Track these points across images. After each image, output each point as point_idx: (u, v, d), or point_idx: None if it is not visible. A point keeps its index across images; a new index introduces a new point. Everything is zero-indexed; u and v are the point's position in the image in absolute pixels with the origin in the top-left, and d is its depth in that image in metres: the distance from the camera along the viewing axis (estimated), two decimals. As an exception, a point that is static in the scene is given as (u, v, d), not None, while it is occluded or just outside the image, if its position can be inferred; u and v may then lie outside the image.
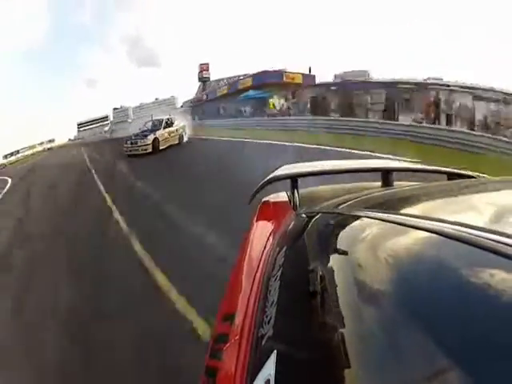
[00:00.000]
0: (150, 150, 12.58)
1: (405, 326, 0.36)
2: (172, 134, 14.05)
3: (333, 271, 0.56)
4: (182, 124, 15.20)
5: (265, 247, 0.97)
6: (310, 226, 0.83)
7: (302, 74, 20.56)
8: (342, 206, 0.89)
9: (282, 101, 18.62)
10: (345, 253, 0.59)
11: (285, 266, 0.71)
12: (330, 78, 19.93)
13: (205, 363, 0.76)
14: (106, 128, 30.31)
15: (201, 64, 27.74)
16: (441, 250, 0.44)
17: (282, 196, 1.34)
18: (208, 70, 27.75)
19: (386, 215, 0.61)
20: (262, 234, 1.12)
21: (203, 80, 27.98)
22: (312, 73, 20.69)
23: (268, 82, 20.50)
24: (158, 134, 13.31)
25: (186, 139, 14.98)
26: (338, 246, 0.64)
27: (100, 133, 29.40)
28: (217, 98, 24.76)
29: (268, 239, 1.02)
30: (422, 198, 0.80)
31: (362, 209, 0.77)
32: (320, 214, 0.89)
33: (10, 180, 14.42)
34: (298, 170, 1.32)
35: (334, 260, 0.59)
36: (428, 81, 13.72)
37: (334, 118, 14.20)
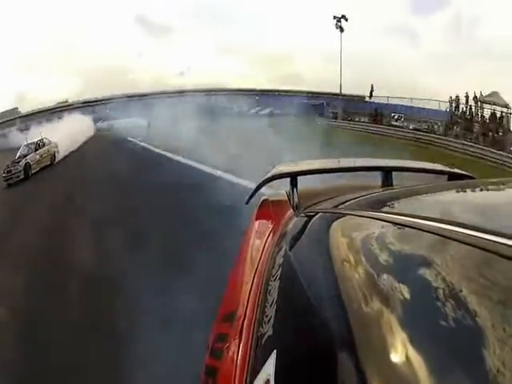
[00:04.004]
0: (22, 177, 11.80)
1: (405, 326, 0.36)
2: (44, 155, 13.34)
3: (332, 271, 0.56)
4: (54, 142, 14.19)
5: (264, 247, 0.97)
6: (310, 226, 0.83)
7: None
8: (341, 206, 0.89)
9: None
10: (344, 253, 0.59)
11: (284, 265, 0.71)
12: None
13: (205, 362, 0.76)
14: None
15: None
16: (441, 250, 0.44)
17: (282, 195, 1.34)
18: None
19: (385, 215, 0.61)
20: (261, 233, 1.12)
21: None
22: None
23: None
24: (30, 158, 12.46)
25: (60, 157, 14.10)
26: (337, 246, 0.64)
27: None
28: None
29: (267, 239, 1.02)
30: (421, 198, 0.80)
31: (362, 209, 0.77)
32: (320, 214, 0.89)
33: None
34: (297, 168, 1.32)
35: (334, 260, 0.59)
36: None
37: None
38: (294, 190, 1.18)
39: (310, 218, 0.88)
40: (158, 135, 13.88)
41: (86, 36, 21.74)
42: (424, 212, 0.62)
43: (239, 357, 0.61)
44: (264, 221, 1.25)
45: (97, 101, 19.51)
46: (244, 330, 0.66)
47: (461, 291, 0.35)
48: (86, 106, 19.19)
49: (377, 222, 0.60)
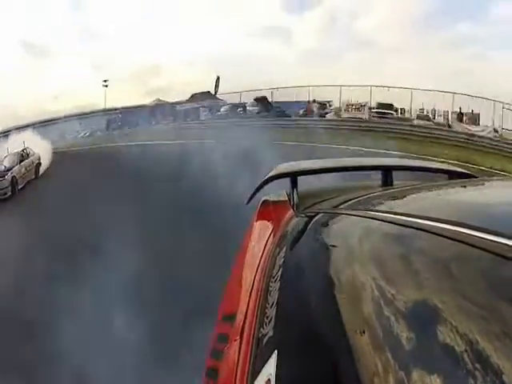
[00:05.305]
0: (10, 194, 10.01)
1: (405, 326, 0.36)
2: (29, 168, 11.62)
3: (333, 271, 0.56)
4: (37, 153, 12.64)
5: (265, 247, 0.97)
6: (310, 226, 0.83)
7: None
8: (341, 206, 0.89)
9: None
10: (345, 253, 0.59)
11: (285, 266, 0.71)
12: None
13: (205, 364, 0.76)
14: None
15: None
16: (441, 250, 0.44)
17: (282, 195, 1.34)
18: None
19: (386, 215, 0.61)
20: (261, 234, 1.11)
21: None
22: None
23: None
24: (16, 171, 10.59)
25: (43, 170, 12.64)
26: (338, 247, 0.64)
27: None
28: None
29: (268, 239, 1.02)
30: (422, 197, 0.80)
31: (363, 209, 0.77)
32: (320, 214, 0.89)
33: None
34: (297, 168, 1.32)
35: (334, 260, 0.59)
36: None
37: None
38: (294, 190, 1.18)
39: (311, 218, 0.88)
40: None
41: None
42: (424, 212, 0.62)
43: (240, 357, 0.61)
44: (264, 221, 1.25)
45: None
46: (245, 331, 0.66)
47: (461, 291, 0.35)
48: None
49: (377, 222, 0.60)
